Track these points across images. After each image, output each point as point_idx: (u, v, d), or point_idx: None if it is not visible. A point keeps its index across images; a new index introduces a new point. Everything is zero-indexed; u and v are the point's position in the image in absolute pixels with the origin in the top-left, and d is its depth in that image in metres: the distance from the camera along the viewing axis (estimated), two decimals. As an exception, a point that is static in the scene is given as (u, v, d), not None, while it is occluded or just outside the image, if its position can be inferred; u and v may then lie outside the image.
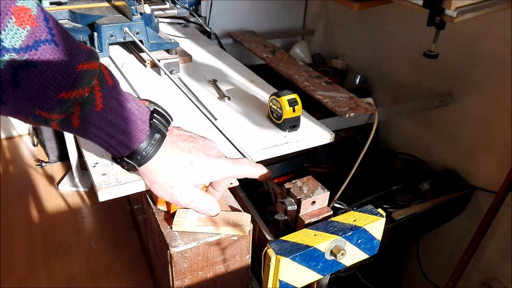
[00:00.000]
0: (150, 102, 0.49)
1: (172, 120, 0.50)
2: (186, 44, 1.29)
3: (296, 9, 1.91)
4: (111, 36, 1.04)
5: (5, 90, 0.35)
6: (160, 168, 0.47)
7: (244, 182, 0.57)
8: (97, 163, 0.64)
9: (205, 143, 0.51)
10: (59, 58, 0.36)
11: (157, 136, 0.46)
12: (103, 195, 0.65)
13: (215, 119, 0.85)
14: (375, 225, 0.52)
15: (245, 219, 0.61)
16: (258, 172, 0.55)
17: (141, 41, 1.06)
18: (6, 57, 0.34)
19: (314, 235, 0.50)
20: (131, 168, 0.47)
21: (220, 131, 0.73)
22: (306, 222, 0.54)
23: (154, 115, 0.47)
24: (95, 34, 1.04)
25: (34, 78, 0.35)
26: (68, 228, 1.83)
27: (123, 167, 0.48)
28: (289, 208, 0.55)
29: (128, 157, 0.46)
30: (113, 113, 0.42)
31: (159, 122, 0.47)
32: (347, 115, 1.08)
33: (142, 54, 1.11)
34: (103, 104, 0.41)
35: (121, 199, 0.72)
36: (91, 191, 2.03)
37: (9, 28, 0.33)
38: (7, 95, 0.36)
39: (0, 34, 0.33)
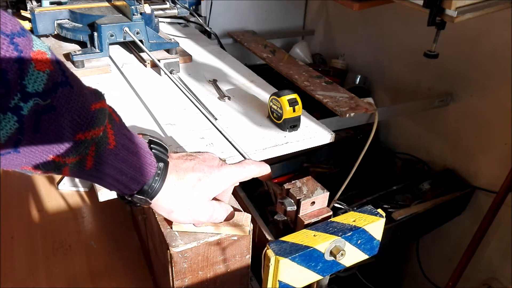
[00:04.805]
0: (144, 135, 0.49)
1: (168, 147, 0.51)
2: (186, 44, 1.29)
3: (296, 9, 1.91)
4: (111, 36, 1.04)
5: (24, 138, 0.35)
6: (172, 195, 0.47)
7: (244, 182, 0.56)
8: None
9: (204, 156, 0.51)
10: (75, 99, 0.37)
11: (161, 165, 0.46)
12: (103, 195, 0.65)
13: (215, 119, 0.85)
14: (375, 226, 0.52)
15: (245, 219, 0.61)
16: (263, 170, 0.55)
17: (141, 41, 1.06)
18: (31, 102, 0.34)
19: (314, 235, 0.49)
20: (143, 203, 0.47)
21: (220, 131, 0.73)
22: (306, 222, 0.54)
23: (152, 145, 0.47)
24: (95, 34, 1.04)
25: (53, 121, 0.36)
26: (68, 228, 1.83)
27: (134, 204, 0.47)
28: (289, 208, 0.55)
29: (139, 193, 0.46)
30: (124, 150, 0.43)
31: (159, 151, 0.48)
32: (347, 115, 1.08)
33: (142, 54, 1.11)
34: (115, 141, 0.42)
35: (121, 199, 0.72)
36: (91, 191, 2.03)
37: (30, 73, 0.33)
38: (24, 143, 0.35)
39: (24, 80, 0.33)
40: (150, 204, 0.47)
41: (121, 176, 0.43)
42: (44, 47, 0.35)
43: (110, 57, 1.11)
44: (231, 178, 0.52)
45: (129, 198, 0.46)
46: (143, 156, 0.45)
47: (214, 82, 1.03)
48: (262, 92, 1.00)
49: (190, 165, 0.49)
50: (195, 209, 0.49)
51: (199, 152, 0.53)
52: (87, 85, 0.40)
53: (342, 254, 0.50)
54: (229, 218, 0.56)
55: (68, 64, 1.03)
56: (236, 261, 0.68)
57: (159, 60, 1.01)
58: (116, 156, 0.42)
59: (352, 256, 0.52)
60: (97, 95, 0.40)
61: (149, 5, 1.15)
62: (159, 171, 0.46)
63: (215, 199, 0.54)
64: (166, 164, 0.47)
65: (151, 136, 0.49)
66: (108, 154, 0.41)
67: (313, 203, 0.55)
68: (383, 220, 0.53)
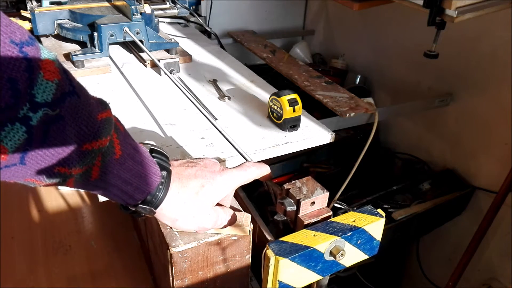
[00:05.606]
0: (144, 143, 0.49)
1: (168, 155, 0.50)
2: (186, 44, 1.29)
3: (296, 9, 1.91)
4: (111, 36, 1.04)
5: (32, 149, 0.34)
6: (176, 203, 0.47)
7: (244, 183, 0.57)
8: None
9: (205, 162, 0.51)
10: (82, 109, 0.36)
11: (164, 173, 0.46)
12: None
13: (215, 119, 0.85)
14: (374, 226, 0.52)
15: (245, 219, 0.61)
16: (264, 171, 0.55)
17: (141, 41, 1.06)
18: (40, 112, 0.33)
19: (314, 235, 0.49)
20: (148, 213, 0.46)
21: (220, 131, 0.73)
22: (306, 222, 0.54)
23: (153, 154, 0.47)
24: (95, 34, 1.04)
25: (61, 132, 0.35)
26: (68, 228, 1.82)
27: (139, 214, 0.47)
28: (289, 208, 0.55)
29: (143, 203, 0.45)
30: (130, 159, 0.43)
31: (161, 159, 0.47)
32: (347, 115, 1.08)
33: (142, 54, 1.11)
34: (121, 151, 0.41)
35: (121, 199, 0.72)
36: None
37: (39, 83, 0.33)
38: (31, 155, 0.35)
39: (33, 89, 0.32)
40: (154, 214, 0.47)
41: (126, 186, 0.43)
42: (51, 56, 0.35)
43: (110, 57, 1.11)
44: (233, 182, 0.51)
45: (133, 209, 0.46)
46: (147, 165, 0.44)
47: (214, 82, 1.03)
48: (262, 92, 1.00)
49: (192, 172, 0.49)
50: (200, 216, 0.49)
51: (199, 158, 0.53)
52: (92, 94, 0.40)
53: (342, 254, 0.50)
54: (231, 222, 0.56)
55: (68, 64, 1.03)
56: (236, 261, 0.68)
57: (159, 60, 1.01)
58: (122, 166, 0.42)
59: (352, 256, 0.52)
60: (103, 105, 0.40)
61: (149, 5, 1.15)
62: (162, 180, 0.45)
63: (217, 204, 0.54)
64: (169, 172, 0.47)
65: (151, 145, 0.49)
66: (114, 164, 0.41)
67: (313, 203, 0.55)
68: (383, 220, 0.53)
